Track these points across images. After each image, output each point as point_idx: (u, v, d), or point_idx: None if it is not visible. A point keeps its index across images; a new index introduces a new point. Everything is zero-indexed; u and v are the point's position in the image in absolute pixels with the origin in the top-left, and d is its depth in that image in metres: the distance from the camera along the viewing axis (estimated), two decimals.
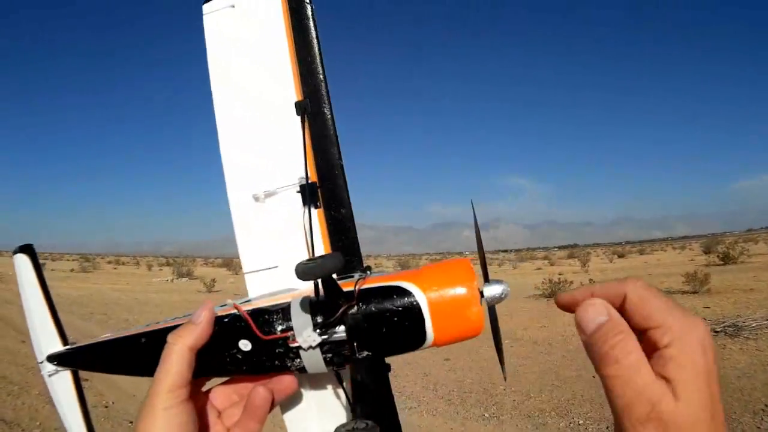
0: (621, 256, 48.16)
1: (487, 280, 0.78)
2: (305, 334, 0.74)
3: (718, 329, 8.87)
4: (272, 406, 0.81)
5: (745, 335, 8.49)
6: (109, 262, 62.96)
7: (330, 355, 0.76)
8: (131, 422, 5.78)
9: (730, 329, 8.74)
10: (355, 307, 0.75)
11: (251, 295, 0.93)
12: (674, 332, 0.56)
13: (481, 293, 0.76)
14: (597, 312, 0.61)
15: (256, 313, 0.77)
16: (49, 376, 0.95)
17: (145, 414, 0.70)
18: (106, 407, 6.16)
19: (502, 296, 0.76)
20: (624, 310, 0.60)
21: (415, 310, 0.75)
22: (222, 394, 0.84)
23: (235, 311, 0.78)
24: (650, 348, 0.58)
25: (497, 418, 6.52)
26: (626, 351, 0.58)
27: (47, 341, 0.96)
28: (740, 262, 24.11)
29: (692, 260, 30.39)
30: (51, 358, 0.94)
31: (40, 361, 0.95)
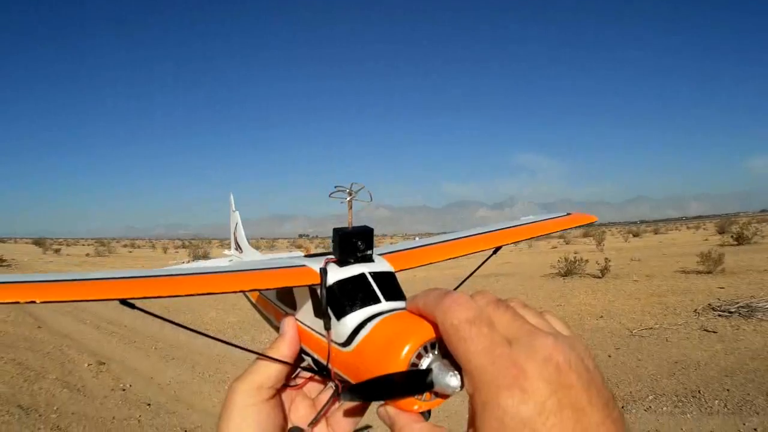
0: (636, 235, 47.68)
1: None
2: None
3: (733, 310, 8.85)
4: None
5: (759, 316, 8.41)
6: (125, 246, 63.54)
7: None
8: (149, 404, 5.83)
9: (744, 310, 8.70)
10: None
11: None
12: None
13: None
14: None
15: None
16: None
17: (222, 409, 0.70)
18: (123, 390, 6.16)
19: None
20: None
21: None
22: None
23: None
24: None
25: None
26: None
27: None
28: (753, 242, 23.97)
29: (706, 240, 30.13)
30: None
31: None
